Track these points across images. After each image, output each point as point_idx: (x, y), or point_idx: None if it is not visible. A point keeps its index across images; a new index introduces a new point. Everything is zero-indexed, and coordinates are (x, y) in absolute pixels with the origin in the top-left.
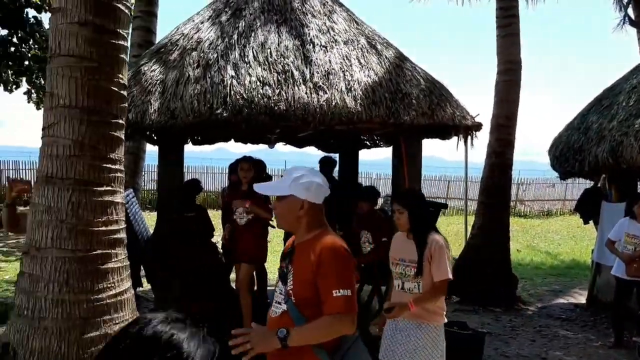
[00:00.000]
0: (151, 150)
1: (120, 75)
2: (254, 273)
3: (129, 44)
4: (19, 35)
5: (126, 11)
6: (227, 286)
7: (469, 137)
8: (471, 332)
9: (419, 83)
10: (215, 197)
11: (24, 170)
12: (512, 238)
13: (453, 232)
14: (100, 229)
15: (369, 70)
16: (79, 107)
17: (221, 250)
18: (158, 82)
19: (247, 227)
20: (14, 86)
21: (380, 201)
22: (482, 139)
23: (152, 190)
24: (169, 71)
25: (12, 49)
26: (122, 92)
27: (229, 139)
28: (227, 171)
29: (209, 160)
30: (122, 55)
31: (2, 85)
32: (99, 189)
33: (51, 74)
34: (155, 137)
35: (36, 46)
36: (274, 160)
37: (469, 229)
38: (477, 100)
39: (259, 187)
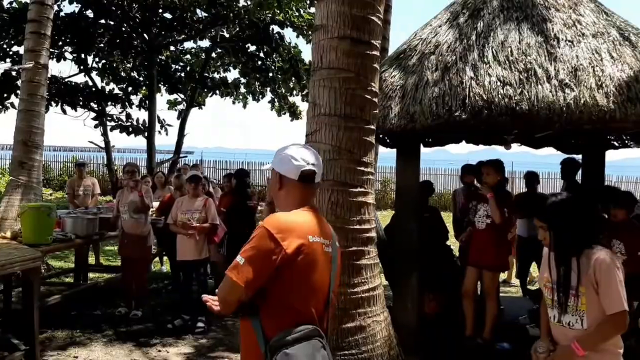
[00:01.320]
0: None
1: (372, 84)
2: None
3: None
4: (265, 50)
5: (379, 22)
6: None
7: None
8: None
9: None
10: (438, 199)
11: (267, 171)
12: None
13: None
14: (355, 227)
15: (622, 65)
16: (337, 115)
17: (456, 253)
18: (398, 87)
19: (486, 233)
20: (260, 96)
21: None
22: None
23: (377, 190)
24: (408, 76)
25: (259, 62)
26: (374, 99)
27: (460, 140)
28: (459, 172)
29: (431, 162)
30: (374, 65)
31: (251, 95)
32: (354, 190)
33: (313, 85)
34: (388, 140)
35: (279, 59)
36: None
37: None
38: None
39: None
